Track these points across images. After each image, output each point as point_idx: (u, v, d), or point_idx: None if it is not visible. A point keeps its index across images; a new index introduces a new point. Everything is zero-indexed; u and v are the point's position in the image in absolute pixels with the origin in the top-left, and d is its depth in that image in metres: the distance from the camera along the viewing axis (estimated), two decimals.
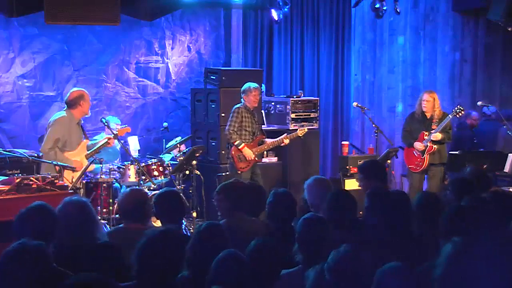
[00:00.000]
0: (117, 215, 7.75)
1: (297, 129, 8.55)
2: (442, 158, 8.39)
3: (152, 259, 3.33)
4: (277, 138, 8.25)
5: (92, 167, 7.33)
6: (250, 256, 3.53)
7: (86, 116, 7.25)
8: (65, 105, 7.12)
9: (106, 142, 7.19)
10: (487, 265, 3.02)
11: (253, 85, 8.10)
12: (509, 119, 9.18)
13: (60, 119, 6.92)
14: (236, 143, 7.95)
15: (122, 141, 7.60)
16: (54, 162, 6.59)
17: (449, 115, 8.30)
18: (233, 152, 8.00)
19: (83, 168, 6.82)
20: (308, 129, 8.89)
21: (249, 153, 7.98)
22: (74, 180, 6.75)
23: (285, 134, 8.30)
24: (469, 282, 2.97)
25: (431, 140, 8.21)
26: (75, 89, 7.23)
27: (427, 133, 8.25)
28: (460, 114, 8.35)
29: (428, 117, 8.33)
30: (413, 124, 8.47)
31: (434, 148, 8.23)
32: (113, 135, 7.27)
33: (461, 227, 3.86)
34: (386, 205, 4.46)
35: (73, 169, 6.72)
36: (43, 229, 3.75)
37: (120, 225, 4.89)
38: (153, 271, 3.31)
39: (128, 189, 4.95)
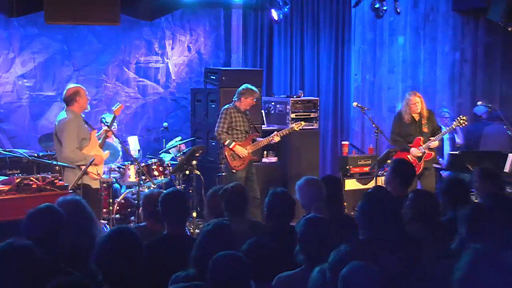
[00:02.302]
0: (117, 215, 7.77)
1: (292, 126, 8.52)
2: (434, 159, 8.42)
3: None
4: (268, 137, 8.20)
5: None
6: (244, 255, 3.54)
7: (86, 110, 6.95)
8: (64, 104, 6.91)
9: (106, 133, 7.05)
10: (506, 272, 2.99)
11: (254, 88, 8.06)
12: (496, 120, 9.19)
13: (68, 123, 6.63)
14: (226, 143, 7.93)
15: (122, 141, 7.60)
16: (54, 162, 6.57)
17: (452, 125, 8.31)
18: (226, 152, 7.99)
19: (83, 168, 6.78)
20: (308, 129, 8.89)
21: (241, 150, 7.95)
22: (99, 172, 6.73)
23: (276, 132, 8.26)
24: None
25: (429, 147, 8.17)
26: (70, 85, 6.97)
27: (422, 138, 8.20)
28: (464, 124, 8.28)
29: (417, 119, 8.27)
30: (403, 127, 8.29)
31: (432, 154, 8.21)
32: (107, 127, 7.05)
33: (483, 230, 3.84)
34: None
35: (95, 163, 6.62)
36: (50, 231, 3.75)
37: (142, 224, 5.03)
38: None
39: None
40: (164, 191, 4.75)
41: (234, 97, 8.06)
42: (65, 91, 6.84)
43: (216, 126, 8.02)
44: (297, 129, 8.34)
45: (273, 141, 8.18)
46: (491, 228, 3.82)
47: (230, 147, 7.92)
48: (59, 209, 3.91)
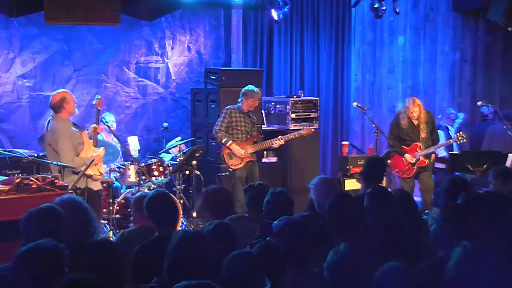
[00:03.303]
0: (117, 215, 7.77)
1: (298, 129, 8.53)
2: (430, 164, 8.45)
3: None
4: (271, 139, 8.15)
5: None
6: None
7: (74, 114, 6.74)
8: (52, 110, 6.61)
9: (95, 130, 6.82)
10: (495, 268, 3.00)
11: (256, 90, 8.04)
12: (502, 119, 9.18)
13: (60, 133, 6.47)
14: (223, 141, 7.93)
15: (122, 141, 7.58)
16: (54, 162, 6.56)
17: (450, 141, 8.52)
18: (223, 151, 8.00)
19: (83, 168, 6.76)
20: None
21: (237, 149, 7.92)
22: (101, 172, 6.68)
23: (280, 136, 8.23)
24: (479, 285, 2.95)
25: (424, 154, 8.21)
26: (57, 91, 6.71)
27: (419, 144, 8.21)
28: (462, 141, 8.35)
29: (416, 124, 8.26)
30: (401, 131, 8.31)
31: (426, 162, 8.23)
32: (95, 124, 6.81)
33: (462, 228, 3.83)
34: (385, 205, 4.47)
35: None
36: (50, 230, 3.74)
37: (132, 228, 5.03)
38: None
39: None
40: (149, 193, 4.61)
41: (239, 98, 8.07)
42: (51, 98, 6.61)
43: (215, 124, 8.03)
44: (304, 135, 8.30)
45: (274, 145, 8.12)
46: (474, 227, 3.83)
47: (227, 145, 7.92)
48: (59, 209, 3.90)
